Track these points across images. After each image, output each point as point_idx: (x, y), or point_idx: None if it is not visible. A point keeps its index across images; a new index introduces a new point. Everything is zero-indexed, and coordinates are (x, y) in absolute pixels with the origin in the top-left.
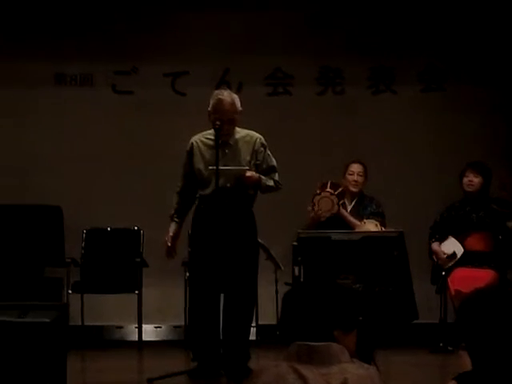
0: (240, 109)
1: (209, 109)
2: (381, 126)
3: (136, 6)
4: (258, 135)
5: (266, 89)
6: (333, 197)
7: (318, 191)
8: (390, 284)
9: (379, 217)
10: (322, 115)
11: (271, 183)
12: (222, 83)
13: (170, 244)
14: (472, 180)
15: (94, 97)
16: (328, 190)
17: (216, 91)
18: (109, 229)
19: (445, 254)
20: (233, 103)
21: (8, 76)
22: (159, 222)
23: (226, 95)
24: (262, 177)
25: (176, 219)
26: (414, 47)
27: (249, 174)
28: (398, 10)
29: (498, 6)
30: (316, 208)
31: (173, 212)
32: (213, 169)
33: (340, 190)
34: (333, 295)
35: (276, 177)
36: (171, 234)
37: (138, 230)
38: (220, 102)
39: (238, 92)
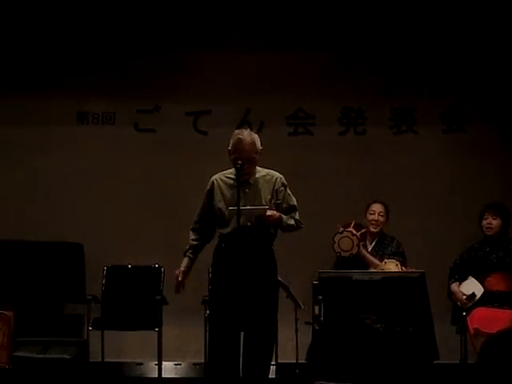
0: (260, 148)
1: (229, 148)
2: (402, 166)
3: (159, 45)
4: (278, 174)
5: (287, 128)
6: (354, 237)
7: (341, 230)
8: (410, 324)
9: (400, 257)
10: (343, 155)
11: (292, 222)
12: (244, 123)
13: (180, 278)
14: (491, 222)
15: (116, 135)
16: (350, 229)
17: (236, 131)
18: (129, 266)
19: (464, 295)
20: (253, 143)
21: (32, 113)
22: (180, 260)
23: (246, 135)
24: (283, 216)
25: (190, 255)
26: (436, 88)
27: (269, 212)
28: (421, 51)
29: None
30: (336, 247)
31: (188, 247)
32: (233, 209)
33: (363, 230)
34: (360, 337)
35: (297, 216)
36: (183, 268)
37: (159, 267)
38: (240, 141)
39: (258, 132)
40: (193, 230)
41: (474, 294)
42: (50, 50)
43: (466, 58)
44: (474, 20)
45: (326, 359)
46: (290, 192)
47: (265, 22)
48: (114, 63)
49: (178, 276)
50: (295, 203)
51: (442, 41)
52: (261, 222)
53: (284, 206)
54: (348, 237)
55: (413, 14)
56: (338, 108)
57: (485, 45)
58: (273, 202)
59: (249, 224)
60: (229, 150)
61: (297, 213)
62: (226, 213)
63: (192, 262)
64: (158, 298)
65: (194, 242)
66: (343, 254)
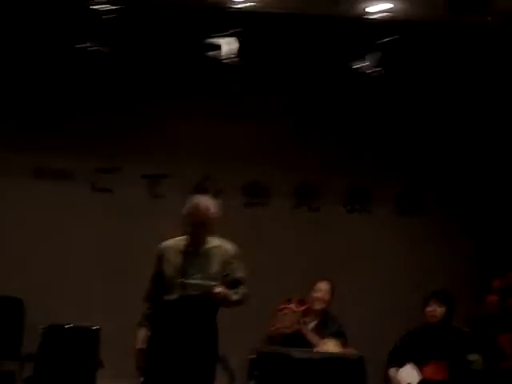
0: (216, 215)
1: (184, 212)
2: (353, 245)
3: (122, 107)
4: (229, 246)
5: (243, 199)
6: (295, 314)
7: (282, 306)
8: None
9: (341, 337)
10: (295, 230)
11: (237, 297)
12: (200, 189)
13: (140, 350)
14: (435, 310)
15: (72, 192)
16: (291, 306)
17: (194, 196)
18: (67, 326)
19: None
20: (208, 209)
21: None
22: (119, 324)
23: (203, 200)
24: (230, 292)
25: (145, 325)
26: (392, 170)
27: (217, 290)
28: (379, 132)
29: (474, 135)
30: (278, 323)
31: (142, 318)
32: (181, 280)
33: (305, 307)
34: None
35: (243, 289)
36: (142, 339)
37: (96, 329)
38: (196, 206)
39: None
40: (146, 299)
41: None
42: (11, 104)
43: (421, 142)
44: (430, 105)
45: None
46: (240, 264)
47: (226, 91)
48: (76, 121)
49: (137, 350)
50: (244, 276)
51: (400, 125)
52: (207, 297)
53: (232, 278)
54: (290, 313)
55: (371, 96)
56: (293, 182)
57: (440, 129)
58: (221, 273)
59: (193, 294)
60: (184, 215)
61: (243, 287)
62: (173, 280)
63: (148, 333)
64: (93, 360)
65: (148, 311)
66: (284, 330)
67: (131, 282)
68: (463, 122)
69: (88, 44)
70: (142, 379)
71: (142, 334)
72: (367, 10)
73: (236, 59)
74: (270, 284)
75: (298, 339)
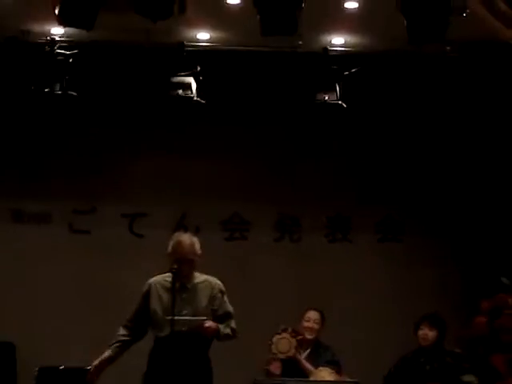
0: (199, 252)
1: (168, 250)
2: (337, 273)
3: (96, 147)
4: (216, 281)
5: (223, 234)
6: (292, 340)
7: (279, 331)
8: None
9: (335, 365)
10: (278, 262)
11: (228, 331)
12: (180, 227)
13: (94, 367)
14: (427, 333)
15: (50, 235)
16: (288, 332)
17: (176, 233)
18: (61, 367)
19: None
20: (192, 245)
21: None
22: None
23: (186, 238)
24: (220, 326)
25: (113, 349)
26: (372, 198)
27: (207, 324)
28: (357, 161)
29: (454, 163)
30: (273, 348)
31: (114, 342)
32: (171, 318)
33: (299, 337)
34: None
35: (232, 323)
36: (101, 359)
37: (89, 369)
38: (179, 243)
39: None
40: (124, 326)
41: None
42: None
43: (401, 170)
44: (408, 134)
45: None
46: (226, 299)
47: (199, 127)
48: (51, 164)
49: (93, 366)
50: (231, 310)
51: (380, 152)
52: (198, 332)
53: (220, 312)
54: (286, 338)
55: (344, 126)
56: (273, 214)
57: (420, 156)
58: (209, 308)
59: (183, 329)
60: (168, 253)
61: (233, 321)
62: (162, 317)
63: (114, 356)
64: None
65: (122, 338)
66: (280, 355)
67: (117, 319)
68: (436, 148)
69: (56, 87)
70: None
71: (105, 354)
72: (330, 43)
73: (204, 97)
74: (257, 317)
75: (292, 367)
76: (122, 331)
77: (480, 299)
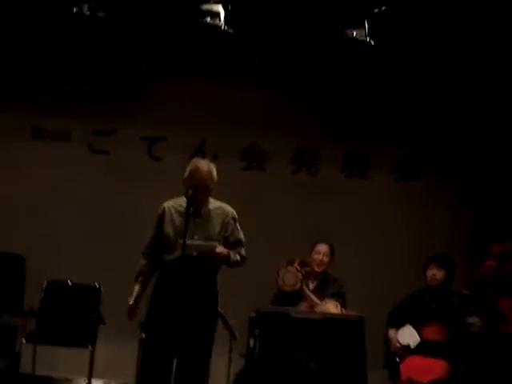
0: (216, 179)
1: (185, 175)
2: (352, 209)
3: (119, 69)
4: (229, 208)
5: (240, 163)
6: (298, 273)
7: (285, 265)
8: (344, 365)
9: (340, 298)
10: (294, 194)
11: (238, 258)
12: (198, 152)
13: (132, 303)
14: (435, 274)
15: (69, 153)
16: (295, 265)
17: (194, 159)
18: (69, 283)
19: (399, 343)
20: (209, 172)
21: None
22: (120, 282)
23: (204, 163)
24: (231, 252)
25: (141, 281)
26: (391, 136)
27: (218, 249)
28: (379, 98)
29: (472, 103)
30: (279, 281)
31: (138, 273)
32: (182, 241)
33: (307, 269)
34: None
35: (242, 251)
36: (135, 294)
37: (99, 287)
38: (197, 169)
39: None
40: (143, 254)
41: (408, 347)
42: (9, 64)
43: (421, 109)
44: (428, 73)
45: None
46: (239, 227)
47: (226, 55)
48: (74, 82)
49: (129, 302)
50: (243, 238)
51: (399, 90)
52: (209, 257)
53: (231, 239)
54: (293, 272)
55: (371, 64)
56: (292, 146)
57: (439, 96)
58: (221, 234)
59: (194, 254)
60: (184, 178)
61: (243, 248)
62: (174, 240)
63: (144, 287)
64: (94, 316)
65: (144, 268)
66: (286, 288)
67: (129, 240)
68: (461, 86)
69: (85, 8)
70: (142, 335)
71: (136, 289)
72: None
73: (232, 27)
74: (268, 247)
75: (298, 299)
76: (142, 261)
77: (492, 243)
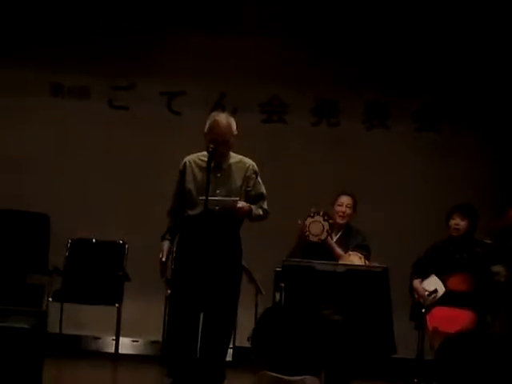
0: (235, 132)
1: (205, 130)
2: (373, 160)
3: (137, 23)
4: (250, 162)
5: (260, 116)
6: (325, 223)
7: (312, 214)
8: (369, 317)
9: (364, 250)
10: (315, 146)
11: (260, 212)
12: (218, 106)
13: (164, 259)
14: (458, 223)
15: (89, 109)
16: (321, 215)
17: (213, 113)
18: (94, 240)
19: (426, 290)
20: (229, 126)
21: (4, 82)
22: (145, 238)
23: (223, 117)
24: (253, 207)
25: (168, 238)
26: (411, 86)
27: (240, 205)
28: (399, 48)
29: (494, 52)
30: (306, 230)
31: (166, 231)
32: (203, 198)
33: (331, 221)
34: (313, 328)
35: (265, 205)
36: (165, 252)
37: (123, 243)
38: (217, 123)
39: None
40: (169, 213)
41: (436, 290)
42: (25, 20)
43: (441, 58)
44: (449, 23)
45: (278, 347)
46: (260, 180)
47: (245, 8)
48: (92, 37)
49: (160, 260)
50: (264, 192)
51: (419, 40)
52: (230, 211)
53: (253, 193)
54: (319, 222)
55: (390, 14)
56: (312, 98)
57: (460, 46)
58: (243, 188)
59: (216, 208)
60: (205, 133)
61: (265, 202)
62: (196, 194)
63: (172, 244)
64: (120, 273)
65: (170, 225)
66: (312, 238)
67: (152, 196)
68: (482, 35)
69: None
70: (168, 292)
71: (166, 246)
72: None
73: None
74: (289, 200)
75: (323, 249)
76: (169, 219)
77: None
